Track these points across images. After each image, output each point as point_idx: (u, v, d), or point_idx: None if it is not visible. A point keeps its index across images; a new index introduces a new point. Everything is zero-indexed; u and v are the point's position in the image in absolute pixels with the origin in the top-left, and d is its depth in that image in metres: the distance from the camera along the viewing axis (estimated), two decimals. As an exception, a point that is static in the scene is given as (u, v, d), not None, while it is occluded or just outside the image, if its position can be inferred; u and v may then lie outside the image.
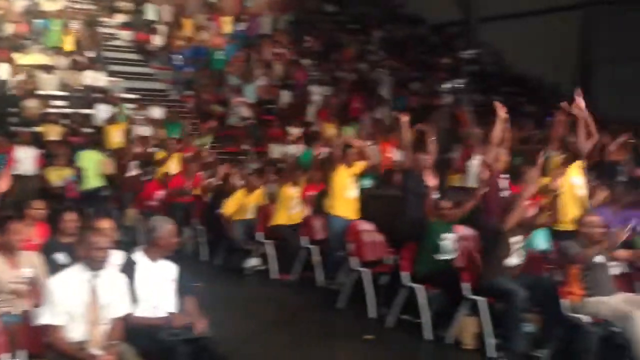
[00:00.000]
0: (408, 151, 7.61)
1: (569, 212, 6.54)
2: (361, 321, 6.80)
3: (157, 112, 13.71)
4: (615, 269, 5.75)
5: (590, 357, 5.24)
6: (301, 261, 8.46)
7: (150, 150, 11.34)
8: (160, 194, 9.97)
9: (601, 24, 18.46)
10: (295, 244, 8.46)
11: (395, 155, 10.79)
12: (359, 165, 8.11)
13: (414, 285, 6.48)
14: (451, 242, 6.59)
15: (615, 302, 5.33)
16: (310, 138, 12.12)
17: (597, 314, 5.33)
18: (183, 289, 4.74)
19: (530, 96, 17.61)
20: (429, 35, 20.46)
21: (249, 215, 9.16)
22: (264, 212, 9.09)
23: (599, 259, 5.56)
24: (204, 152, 11.14)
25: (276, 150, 12.58)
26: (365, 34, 19.04)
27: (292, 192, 8.95)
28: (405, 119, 7.57)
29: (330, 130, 12.44)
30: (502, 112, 6.87)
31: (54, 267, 4.81)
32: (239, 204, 9.11)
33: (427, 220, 6.73)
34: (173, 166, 10.59)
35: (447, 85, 9.42)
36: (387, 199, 8.37)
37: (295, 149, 12.27)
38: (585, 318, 5.35)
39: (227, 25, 17.51)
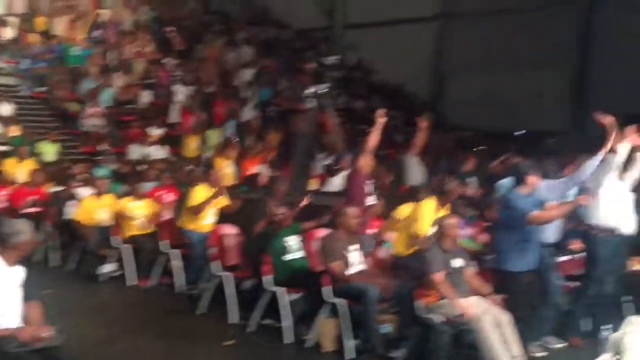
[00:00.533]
0: None
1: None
2: (222, 326, 6.68)
3: (6, 109, 12.86)
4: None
5: (443, 355, 5.44)
6: (160, 266, 8.22)
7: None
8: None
9: (455, 36, 19.37)
10: (154, 249, 8.21)
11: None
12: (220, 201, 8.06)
13: (276, 289, 6.48)
14: (294, 243, 6.74)
15: (468, 303, 5.55)
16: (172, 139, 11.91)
17: (449, 314, 5.53)
18: (28, 295, 4.43)
19: (392, 104, 18.16)
20: (294, 39, 20.59)
21: (104, 221, 8.81)
22: (120, 216, 8.73)
23: (457, 263, 5.79)
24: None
25: (135, 152, 12.18)
26: (230, 34, 18.88)
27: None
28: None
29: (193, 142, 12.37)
30: (381, 119, 6.97)
31: None
32: (90, 210, 8.76)
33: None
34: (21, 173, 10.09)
35: (310, 90, 9.45)
36: (250, 202, 8.32)
37: (155, 151, 11.95)
38: (437, 318, 5.54)
39: (83, 21, 16.76)
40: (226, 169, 10.44)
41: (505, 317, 5.49)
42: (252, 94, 14.53)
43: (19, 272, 4.44)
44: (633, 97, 14.95)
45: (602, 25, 16.50)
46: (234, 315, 6.85)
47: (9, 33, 15.75)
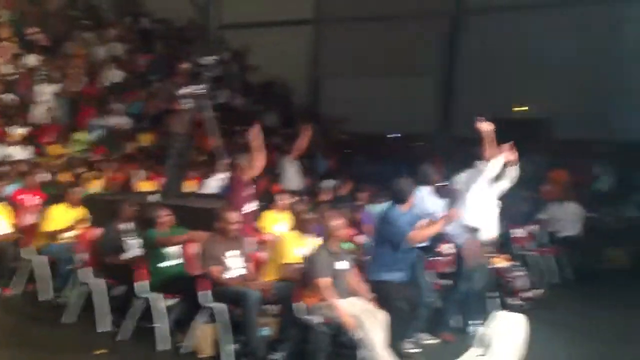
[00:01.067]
0: None
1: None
2: (91, 335, 6.40)
3: None
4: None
5: (322, 356, 5.49)
6: (24, 273, 7.76)
7: None
8: None
9: (330, 39, 19.69)
10: (16, 255, 7.75)
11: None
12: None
13: (150, 295, 6.28)
14: (174, 249, 6.58)
15: (348, 306, 5.62)
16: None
17: (329, 316, 5.57)
18: None
19: (269, 104, 18.21)
20: (168, 38, 20.14)
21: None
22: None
23: (342, 265, 5.84)
24: None
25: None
26: (100, 29, 18.18)
27: None
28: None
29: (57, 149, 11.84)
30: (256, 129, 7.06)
31: None
32: None
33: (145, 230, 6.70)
34: None
35: (186, 91, 9.24)
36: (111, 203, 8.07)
37: (17, 151, 11.29)
38: (317, 319, 5.57)
39: None
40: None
41: (382, 316, 5.61)
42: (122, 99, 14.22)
43: None
44: (499, 101, 15.86)
45: (469, 31, 17.32)
46: (104, 323, 6.57)
47: None
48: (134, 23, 19.32)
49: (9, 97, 13.70)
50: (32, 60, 15.22)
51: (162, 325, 6.17)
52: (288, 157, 10.70)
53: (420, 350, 6.16)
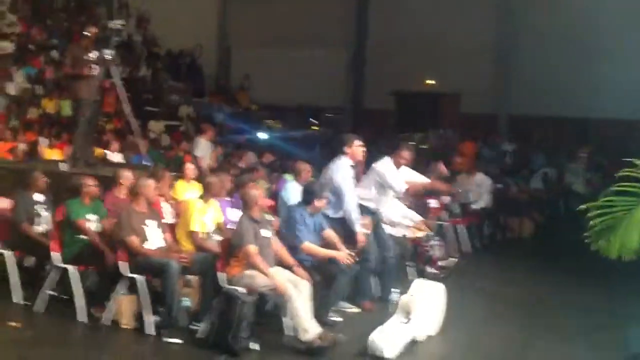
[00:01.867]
0: None
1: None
2: (5, 307, 6.16)
3: None
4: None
5: (245, 326, 5.46)
6: None
7: None
8: None
9: (238, 10, 19.42)
10: None
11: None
12: None
13: (65, 266, 6.08)
14: (95, 223, 6.42)
15: (273, 275, 5.62)
16: None
17: (253, 286, 5.57)
18: None
19: (177, 73, 17.82)
20: (68, 2, 19.23)
21: None
22: None
23: (265, 233, 5.84)
24: None
25: None
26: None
27: None
28: None
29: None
30: None
31: None
32: None
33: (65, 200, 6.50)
34: None
35: (94, 56, 8.88)
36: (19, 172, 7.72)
37: None
38: (240, 289, 5.56)
39: None
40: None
41: (305, 285, 5.67)
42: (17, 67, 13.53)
43: None
44: (405, 76, 16.20)
45: (378, 6, 17.54)
46: (17, 294, 6.32)
47: None
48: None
49: None
50: None
51: (78, 297, 5.99)
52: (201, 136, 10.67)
53: (342, 319, 6.26)
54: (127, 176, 6.85)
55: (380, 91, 16.69)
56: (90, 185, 6.53)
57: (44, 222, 6.71)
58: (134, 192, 6.26)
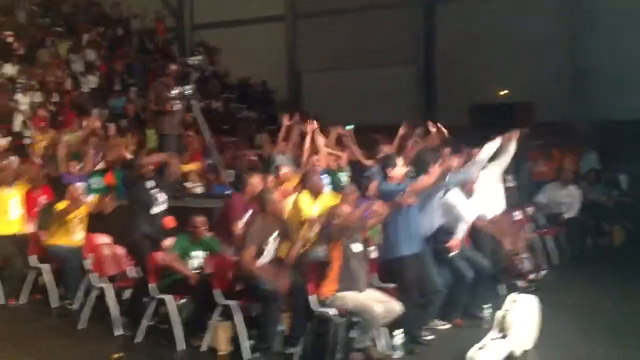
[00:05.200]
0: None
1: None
2: (108, 340, 6.40)
3: None
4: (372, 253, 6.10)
5: (340, 349, 5.51)
6: (30, 282, 7.72)
7: None
8: None
9: (306, 34, 19.72)
10: (22, 264, 7.69)
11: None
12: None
13: (163, 296, 6.28)
14: (199, 260, 6.52)
15: (362, 296, 5.62)
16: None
17: (343, 306, 5.60)
18: None
19: (249, 102, 18.19)
20: (143, 40, 20.02)
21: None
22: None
23: (356, 247, 5.79)
24: None
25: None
26: (74, 36, 18.03)
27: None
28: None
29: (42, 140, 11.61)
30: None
31: None
32: None
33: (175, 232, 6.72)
34: None
35: (176, 91, 9.25)
36: (118, 210, 8.01)
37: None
38: (332, 311, 5.60)
39: None
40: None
41: (398, 307, 5.59)
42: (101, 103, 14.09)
43: None
44: (478, 89, 16.02)
45: (445, 19, 17.45)
46: (118, 327, 6.57)
47: None
48: (107, 29, 19.17)
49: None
50: (9, 69, 15.08)
51: (176, 326, 6.17)
52: (275, 151, 10.76)
53: (434, 337, 6.20)
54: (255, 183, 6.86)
55: (452, 105, 16.55)
56: (199, 226, 6.54)
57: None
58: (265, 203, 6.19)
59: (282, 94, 19.40)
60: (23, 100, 13.80)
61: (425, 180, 5.97)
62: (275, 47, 19.77)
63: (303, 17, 19.83)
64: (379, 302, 5.56)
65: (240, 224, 6.53)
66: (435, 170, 5.96)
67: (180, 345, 6.13)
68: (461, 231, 6.60)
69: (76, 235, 7.72)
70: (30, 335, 6.68)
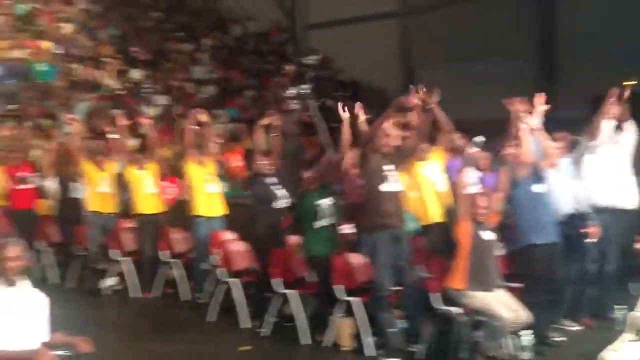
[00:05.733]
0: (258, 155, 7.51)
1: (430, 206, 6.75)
2: (235, 333, 6.65)
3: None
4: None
5: (465, 347, 5.42)
6: (162, 277, 8.13)
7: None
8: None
9: (419, 29, 19.54)
10: (154, 259, 8.11)
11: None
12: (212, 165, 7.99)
13: (287, 292, 6.44)
14: (327, 207, 6.50)
15: (492, 298, 5.43)
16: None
17: (469, 306, 5.47)
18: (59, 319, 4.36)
19: (362, 100, 18.22)
20: (258, 42, 20.54)
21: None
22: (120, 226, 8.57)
23: (487, 235, 5.57)
24: None
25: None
26: (194, 41, 18.77)
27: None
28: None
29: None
30: (344, 114, 7.08)
31: None
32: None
33: (300, 195, 6.78)
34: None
35: (293, 92, 9.44)
36: (242, 207, 8.26)
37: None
38: (455, 310, 5.52)
39: (45, 45, 16.41)
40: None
41: (526, 317, 5.38)
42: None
43: (31, 294, 4.36)
44: (600, 79, 15.30)
45: (566, 8, 16.81)
46: (246, 320, 6.80)
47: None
48: (225, 34, 19.80)
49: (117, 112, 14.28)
50: (136, 75, 15.90)
51: (300, 321, 6.30)
52: None
53: (566, 338, 6.01)
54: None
55: (573, 98, 15.92)
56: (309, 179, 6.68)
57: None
58: None
59: (396, 91, 19.32)
60: (150, 105, 14.50)
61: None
62: (388, 44, 19.70)
63: (416, 12, 19.66)
64: (509, 310, 5.35)
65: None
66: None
67: (305, 340, 6.25)
68: (596, 220, 6.32)
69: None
70: (161, 328, 7.03)
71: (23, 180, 9.13)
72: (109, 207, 8.55)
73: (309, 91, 9.76)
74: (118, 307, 8.00)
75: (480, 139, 6.36)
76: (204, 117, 7.89)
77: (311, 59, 10.62)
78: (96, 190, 8.48)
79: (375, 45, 19.25)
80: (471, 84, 17.31)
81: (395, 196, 5.97)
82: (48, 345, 4.21)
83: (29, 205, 9.06)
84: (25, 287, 4.37)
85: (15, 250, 4.32)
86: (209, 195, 7.81)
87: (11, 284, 4.28)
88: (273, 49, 20.02)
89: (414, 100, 6.54)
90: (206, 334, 6.77)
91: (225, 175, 8.75)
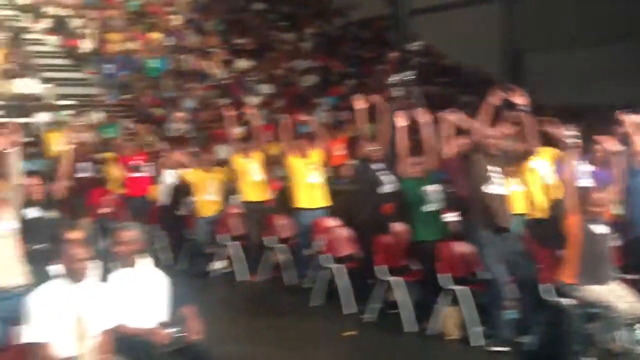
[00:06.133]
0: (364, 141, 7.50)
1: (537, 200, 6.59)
2: (339, 318, 6.69)
3: (95, 117, 13.19)
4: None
5: (578, 341, 5.22)
6: (268, 261, 8.31)
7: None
8: (109, 198, 9.40)
9: (525, 14, 18.95)
10: (260, 244, 8.30)
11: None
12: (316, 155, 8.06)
13: (391, 278, 6.42)
14: (434, 192, 6.46)
15: (605, 291, 5.24)
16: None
17: (582, 298, 5.28)
18: (179, 298, 4.54)
19: (464, 86, 17.89)
20: (359, 30, 20.52)
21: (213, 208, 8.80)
22: (226, 211, 8.82)
23: (599, 229, 5.38)
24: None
25: (222, 151, 12.31)
26: (297, 31, 18.99)
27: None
28: (360, 105, 7.52)
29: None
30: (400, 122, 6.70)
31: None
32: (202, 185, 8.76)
33: (401, 182, 6.71)
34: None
35: (396, 78, 9.38)
36: (345, 193, 8.29)
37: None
38: (567, 301, 5.34)
39: (155, 38, 17.08)
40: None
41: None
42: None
43: (153, 274, 4.60)
44: None
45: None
46: (349, 306, 6.84)
47: (87, 45, 16.18)
48: (327, 22, 19.92)
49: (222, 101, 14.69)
50: (242, 64, 16.28)
51: (404, 308, 6.28)
52: None
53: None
54: None
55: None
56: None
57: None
58: None
59: (498, 76, 18.85)
60: (256, 94, 14.79)
61: None
62: (490, 29, 19.23)
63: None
64: (624, 301, 5.14)
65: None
66: None
67: (409, 327, 6.23)
68: None
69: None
70: (266, 311, 7.19)
71: (136, 168, 9.54)
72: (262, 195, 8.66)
73: (412, 77, 9.65)
74: (225, 288, 8.22)
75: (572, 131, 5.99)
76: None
77: (415, 45, 10.49)
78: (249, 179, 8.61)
79: (477, 30, 18.85)
80: (581, 69, 16.69)
81: (499, 198, 5.85)
82: (163, 324, 4.40)
83: (142, 192, 9.48)
84: (146, 268, 4.60)
85: (130, 234, 4.56)
86: (310, 187, 7.92)
87: (131, 264, 4.52)
88: (374, 36, 19.97)
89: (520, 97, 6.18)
90: (309, 318, 6.85)
91: (328, 163, 8.83)
